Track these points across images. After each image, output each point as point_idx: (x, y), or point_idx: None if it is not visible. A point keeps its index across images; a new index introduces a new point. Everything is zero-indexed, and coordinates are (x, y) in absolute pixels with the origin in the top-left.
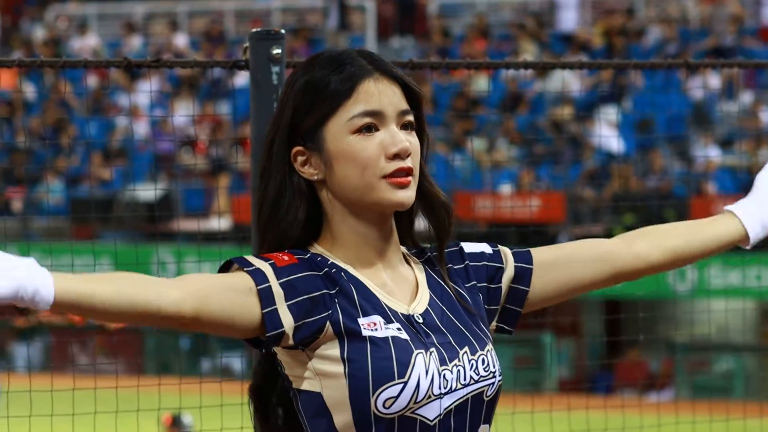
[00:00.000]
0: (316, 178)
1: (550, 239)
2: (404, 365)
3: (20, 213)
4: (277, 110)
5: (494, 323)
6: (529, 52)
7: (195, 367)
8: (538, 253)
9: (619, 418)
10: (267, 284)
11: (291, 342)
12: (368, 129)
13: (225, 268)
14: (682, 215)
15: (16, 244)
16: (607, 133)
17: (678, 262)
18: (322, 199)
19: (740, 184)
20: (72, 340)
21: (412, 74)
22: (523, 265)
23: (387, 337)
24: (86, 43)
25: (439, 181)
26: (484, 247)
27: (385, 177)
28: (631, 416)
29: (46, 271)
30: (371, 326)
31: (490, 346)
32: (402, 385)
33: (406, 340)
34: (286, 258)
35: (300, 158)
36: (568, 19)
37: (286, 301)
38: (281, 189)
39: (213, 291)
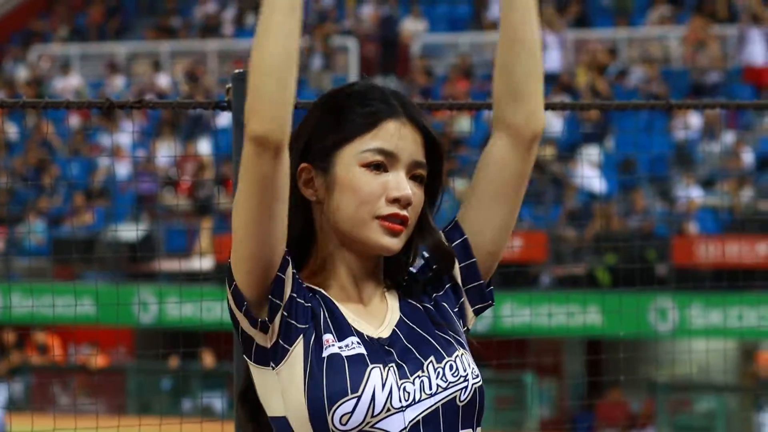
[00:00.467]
0: (314, 198)
1: (532, 279)
2: (357, 379)
3: (2, 253)
4: (300, 124)
5: (470, 310)
6: None
7: (176, 407)
8: (462, 216)
9: None
10: (289, 261)
11: (272, 337)
12: (377, 167)
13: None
14: (664, 255)
15: None
16: (589, 173)
17: (518, 45)
18: (316, 220)
19: (722, 225)
20: (53, 380)
21: None
22: (457, 241)
23: (343, 356)
24: (69, 83)
25: (440, 210)
26: (421, 261)
27: (378, 217)
28: None
29: None
30: (328, 342)
31: (460, 351)
32: (356, 399)
33: (363, 354)
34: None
35: (304, 176)
36: (551, 59)
37: (291, 291)
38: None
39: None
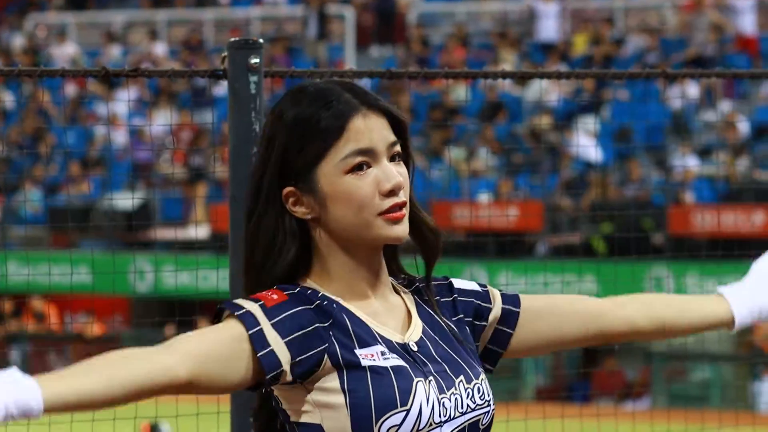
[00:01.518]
0: (309, 217)
1: (528, 248)
2: (406, 393)
3: None
4: (264, 145)
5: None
6: (508, 62)
7: None
8: (527, 300)
9: (595, 426)
10: (258, 327)
11: (289, 378)
12: (360, 167)
13: (217, 315)
14: (660, 224)
15: None
16: (585, 142)
17: (663, 333)
18: (314, 236)
19: (718, 194)
20: (49, 348)
21: (390, 83)
22: (511, 307)
23: (386, 366)
24: (65, 52)
25: (417, 191)
26: (474, 285)
27: (380, 214)
28: (606, 425)
29: (31, 380)
30: (370, 356)
31: (483, 376)
32: (405, 413)
33: (406, 367)
34: (275, 296)
35: (291, 198)
36: (548, 28)
37: (282, 339)
38: (275, 231)
39: (205, 349)
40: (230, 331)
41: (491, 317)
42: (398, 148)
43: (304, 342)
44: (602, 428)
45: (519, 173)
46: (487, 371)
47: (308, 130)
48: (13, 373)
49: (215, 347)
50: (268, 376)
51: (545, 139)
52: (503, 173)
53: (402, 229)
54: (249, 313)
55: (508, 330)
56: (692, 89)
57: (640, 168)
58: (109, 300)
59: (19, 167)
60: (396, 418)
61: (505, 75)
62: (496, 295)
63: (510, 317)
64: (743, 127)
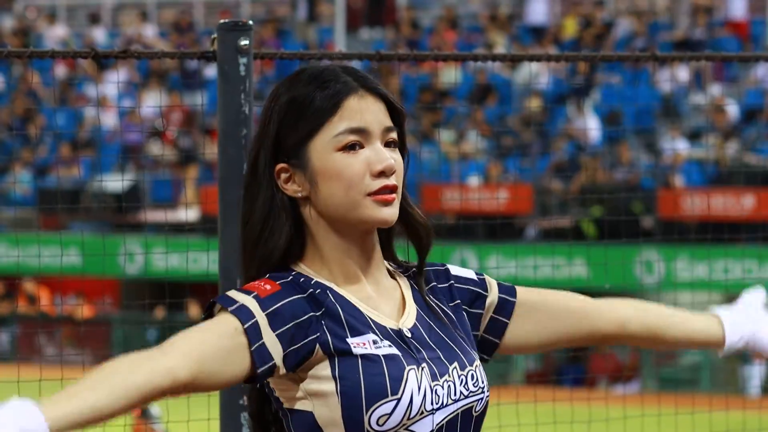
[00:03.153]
0: (299, 195)
1: (518, 231)
2: (397, 381)
3: None
4: (260, 126)
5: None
6: (498, 44)
7: None
8: (523, 291)
9: (586, 410)
10: (253, 320)
11: (283, 371)
12: (353, 147)
13: (209, 308)
14: (650, 208)
15: None
16: (592, 124)
17: (653, 341)
18: (305, 216)
19: (708, 177)
20: (39, 330)
21: (380, 66)
22: (507, 297)
23: (378, 355)
24: (55, 34)
25: (407, 173)
26: (471, 273)
27: (369, 195)
28: (597, 408)
29: (33, 406)
30: (362, 345)
31: (478, 362)
32: (396, 401)
33: (398, 355)
34: (268, 287)
35: (283, 175)
36: (538, 11)
37: (273, 331)
38: (268, 208)
39: (203, 348)
40: (226, 326)
41: (487, 304)
42: (394, 135)
43: (297, 333)
44: (593, 412)
45: (509, 156)
46: (483, 361)
47: (303, 107)
48: (15, 403)
49: (213, 345)
50: (260, 370)
51: (535, 122)
52: (493, 156)
53: (390, 213)
54: (243, 307)
55: (504, 319)
56: (682, 73)
57: (630, 151)
58: (99, 282)
59: (8, 149)
60: (386, 407)
61: (495, 58)
62: (492, 283)
63: (506, 306)
64: (733, 110)
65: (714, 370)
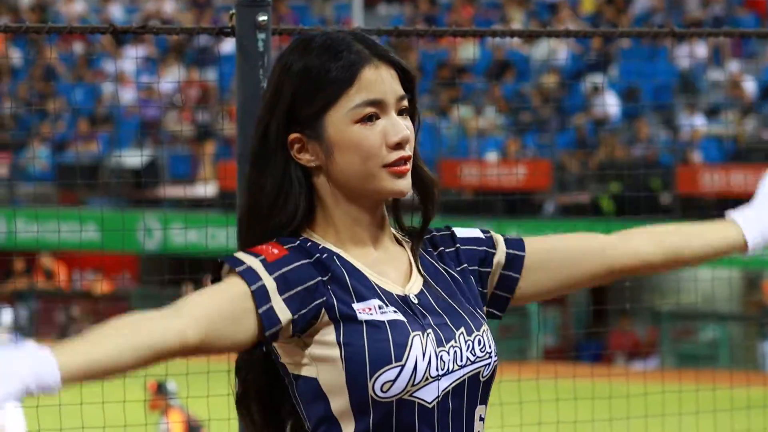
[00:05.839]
0: (313, 164)
1: (537, 207)
2: (401, 348)
3: (6, 179)
4: (270, 94)
5: (484, 308)
6: (516, 20)
7: None
8: (532, 242)
9: (606, 386)
10: (260, 282)
11: (289, 333)
12: (370, 118)
13: (215, 269)
14: (669, 184)
15: (2, 210)
16: (611, 101)
17: (674, 262)
18: (316, 184)
19: (726, 153)
20: (58, 305)
21: (398, 41)
22: (515, 251)
23: (383, 321)
24: (73, 9)
25: (425, 149)
26: (476, 232)
27: (385, 166)
28: (618, 385)
29: (47, 352)
30: (366, 310)
31: (485, 327)
32: (399, 368)
33: (403, 321)
34: (275, 251)
35: (296, 145)
36: None
37: (280, 295)
38: (281, 179)
39: (213, 311)
40: (234, 288)
41: (495, 262)
42: (406, 102)
43: (304, 297)
44: (614, 388)
45: (527, 132)
46: (495, 317)
47: (318, 79)
48: (30, 348)
49: (222, 307)
50: (267, 333)
51: (553, 97)
52: (511, 132)
53: (405, 184)
54: (250, 269)
55: (515, 275)
56: (700, 49)
57: (648, 127)
58: (117, 258)
59: (27, 124)
60: (390, 374)
61: (513, 33)
62: (499, 240)
63: (515, 261)
64: (751, 86)
65: (732, 347)
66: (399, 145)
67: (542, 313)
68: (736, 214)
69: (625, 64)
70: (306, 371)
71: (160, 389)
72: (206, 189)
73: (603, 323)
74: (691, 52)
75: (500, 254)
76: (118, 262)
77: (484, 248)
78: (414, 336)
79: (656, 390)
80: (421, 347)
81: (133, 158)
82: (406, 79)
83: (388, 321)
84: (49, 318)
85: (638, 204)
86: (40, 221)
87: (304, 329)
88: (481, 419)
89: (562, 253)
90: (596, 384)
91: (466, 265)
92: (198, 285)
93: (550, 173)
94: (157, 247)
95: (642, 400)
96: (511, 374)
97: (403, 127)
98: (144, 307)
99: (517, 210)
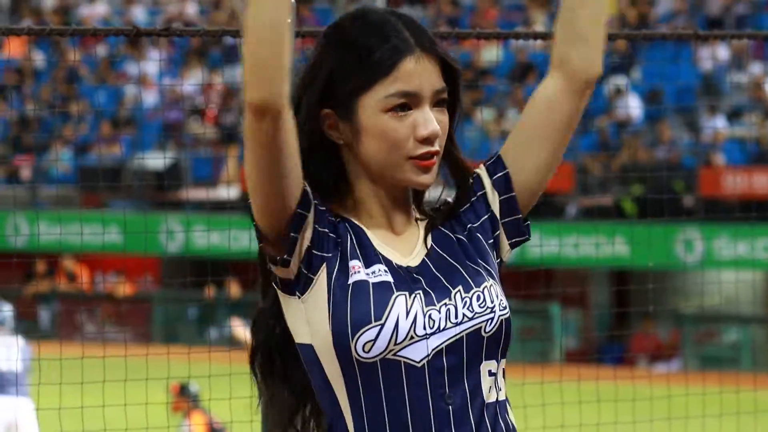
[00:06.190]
0: (341, 142)
1: (559, 209)
2: (382, 307)
3: (29, 181)
4: (312, 63)
5: (506, 243)
6: (539, 22)
7: (202, 336)
8: (505, 148)
9: (630, 389)
10: (309, 201)
11: (304, 248)
12: (402, 108)
13: None
14: (691, 186)
15: (24, 212)
16: (633, 103)
17: (577, 35)
18: (344, 159)
19: (748, 155)
20: (80, 308)
21: None
22: (499, 174)
23: (368, 281)
24: (95, 11)
25: (461, 126)
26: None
27: (411, 158)
28: (641, 387)
29: None
30: (355, 269)
31: (489, 282)
32: (379, 327)
33: (389, 282)
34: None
35: (328, 121)
36: None
37: (315, 218)
38: (312, 148)
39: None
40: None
41: (490, 199)
42: (444, 95)
43: (323, 240)
44: (637, 390)
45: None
46: (525, 240)
47: (359, 59)
48: None
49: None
50: (298, 209)
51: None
52: None
53: (428, 178)
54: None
55: (511, 194)
56: (723, 51)
57: (671, 129)
58: (139, 260)
59: (49, 127)
60: (370, 333)
61: (536, 36)
62: (483, 175)
63: (505, 184)
64: None
65: (755, 349)
66: (427, 140)
67: (564, 315)
68: None
69: (648, 66)
70: (303, 338)
71: (183, 391)
72: (229, 191)
73: (625, 326)
74: (714, 54)
75: (490, 191)
76: (140, 264)
77: (478, 194)
78: (398, 296)
79: (680, 392)
80: (405, 306)
81: (155, 161)
82: (448, 70)
83: (373, 283)
84: (72, 320)
85: (661, 206)
86: (62, 223)
87: (306, 278)
88: (492, 374)
89: (530, 128)
90: (619, 386)
91: (470, 225)
92: (220, 287)
93: (572, 176)
94: (179, 249)
95: (665, 403)
96: (534, 377)
97: (434, 121)
98: (166, 310)
99: (539, 213)
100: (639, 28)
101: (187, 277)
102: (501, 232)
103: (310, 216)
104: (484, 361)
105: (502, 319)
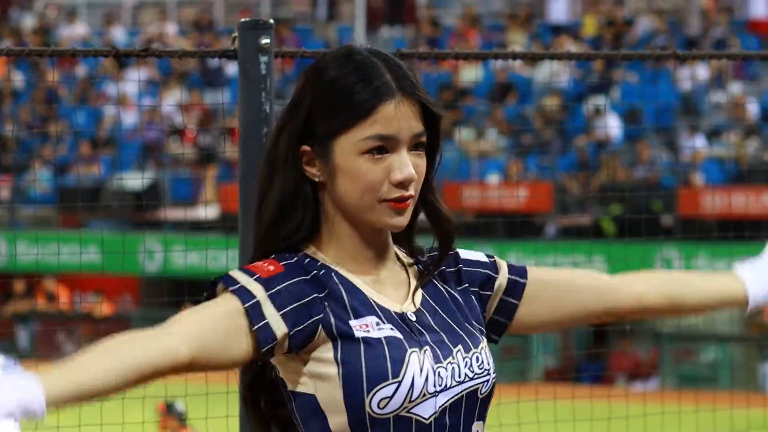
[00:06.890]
0: (316, 179)
1: (538, 229)
2: (398, 364)
3: (7, 201)
4: (294, 98)
5: (484, 327)
6: (518, 43)
7: None
8: (536, 272)
9: (606, 407)
10: (254, 300)
11: (285, 349)
12: (379, 151)
13: (211, 287)
14: (670, 206)
15: (3, 232)
16: (612, 123)
17: (675, 310)
18: (322, 199)
19: (727, 175)
20: (58, 327)
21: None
22: (517, 278)
23: (380, 338)
24: (75, 32)
25: (438, 171)
26: (480, 256)
27: (384, 201)
28: (617, 405)
29: (32, 378)
30: (363, 327)
31: (483, 344)
32: (396, 384)
33: (400, 338)
34: (271, 267)
35: (305, 158)
36: (558, 9)
37: (277, 311)
38: (289, 188)
39: (205, 329)
40: (227, 306)
41: (496, 286)
42: (423, 138)
43: (300, 312)
44: (613, 409)
45: (528, 154)
46: (492, 341)
47: (339, 99)
48: (14, 374)
49: (214, 325)
50: (263, 349)
51: (555, 120)
52: (513, 154)
53: (402, 220)
54: (244, 288)
55: (514, 301)
56: (702, 71)
57: (650, 149)
58: (118, 280)
59: (28, 147)
60: (387, 390)
61: (515, 56)
62: (502, 265)
63: (516, 288)
64: (753, 108)
65: (733, 368)
66: (402, 184)
67: (543, 334)
68: (741, 269)
69: (627, 86)
70: (304, 388)
71: (170, 410)
72: (207, 211)
73: (604, 344)
74: (693, 74)
75: (502, 279)
76: (118, 284)
77: (487, 271)
78: (411, 352)
79: (656, 411)
80: (418, 363)
81: (134, 181)
82: (429, 115)
83: (384, 338)
84: (50, 340)
85: (639, 226)
86: (41, 244)
87: (301, 346)
88: None
89: (565, 286)
90: (595, 405)
91: (467, 285)
92: None
93: (551, 195)
94: (157, 269)
95: (641, 421)
96: (510, 396)
97: (410, 166)
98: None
99: (518, 232)
100: (618, 48)
101: (165, 297)
102: (486, 320)
103: (279, 333)
104: (475, 421)
105: (493, 382)
